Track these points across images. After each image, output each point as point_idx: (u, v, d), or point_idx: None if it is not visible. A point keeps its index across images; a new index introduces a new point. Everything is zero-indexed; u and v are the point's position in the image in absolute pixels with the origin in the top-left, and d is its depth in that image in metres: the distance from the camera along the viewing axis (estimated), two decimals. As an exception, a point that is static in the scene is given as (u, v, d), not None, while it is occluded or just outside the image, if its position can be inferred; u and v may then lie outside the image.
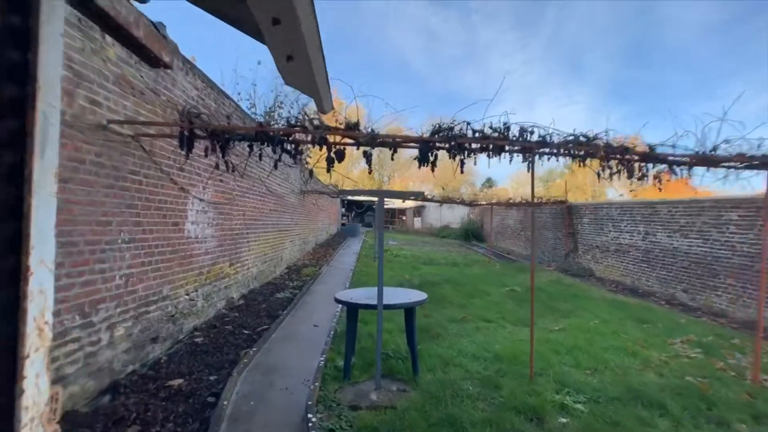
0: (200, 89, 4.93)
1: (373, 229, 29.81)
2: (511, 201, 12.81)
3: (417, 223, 28.98)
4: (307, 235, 13.54)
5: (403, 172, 51.69)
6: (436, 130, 3.54)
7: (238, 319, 5.39)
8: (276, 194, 8.82)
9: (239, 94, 11.88)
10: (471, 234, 21.58)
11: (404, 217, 29.68)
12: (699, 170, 4.09)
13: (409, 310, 3.68)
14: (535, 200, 12.71)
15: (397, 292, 4.14)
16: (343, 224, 30.11)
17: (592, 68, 62.60)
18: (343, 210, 31.29)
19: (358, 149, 3.61)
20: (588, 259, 11.72)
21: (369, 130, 3.46)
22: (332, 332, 4.86)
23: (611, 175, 4.12)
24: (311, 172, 4.66)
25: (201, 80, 4.95)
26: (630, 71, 61.25)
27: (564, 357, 4.34)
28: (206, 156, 3.86)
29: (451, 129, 3.52)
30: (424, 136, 3.55)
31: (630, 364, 4.23)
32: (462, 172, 3.76)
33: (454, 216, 24.40)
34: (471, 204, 13.22)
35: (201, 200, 4.94)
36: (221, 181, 5.60)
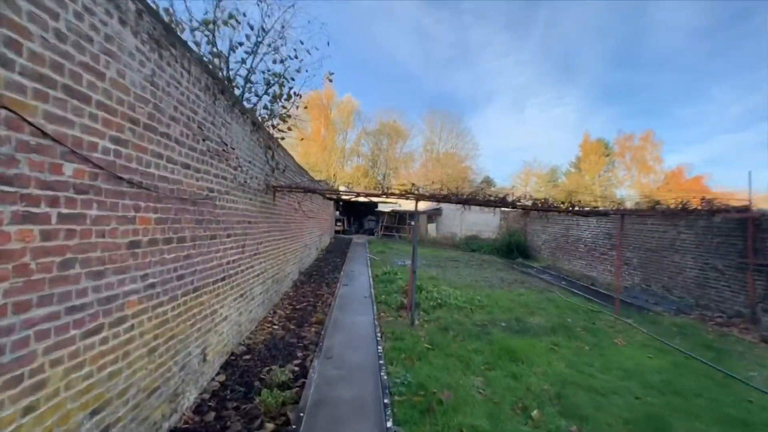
0: None
1: (377, 237, 23.94)
2: (660, 205, 7.08)
3: (431, 230, 23.02)
4: (283, 268, 7.69)
5: (400, 171, 46.04)
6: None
7: None
8: (185, 198, 2.99)
9: None
10: (515, 248, 15.90)
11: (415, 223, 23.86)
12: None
13: None
14: (678, 205, 6.96)
15: None
16: (337, 231, 24.21)
17: (582, 70, 61.89)
18: (337, 213, 25.37)
19: None
20: (820, 318, 6.11)
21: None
22: None
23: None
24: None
25: None
26: (619, 73, 60.71)
27: None
28: None
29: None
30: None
31: None
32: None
33: (488, 223, 18.60)
34: (615, 212, 7.35)
35: None
36: None
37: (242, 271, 4.96)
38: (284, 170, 6.67)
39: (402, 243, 21.37)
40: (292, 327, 5.86)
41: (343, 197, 6.89)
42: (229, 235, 4.37)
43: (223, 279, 4.26)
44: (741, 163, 53.70)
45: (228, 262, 4.40)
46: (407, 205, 25.83)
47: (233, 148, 4.45)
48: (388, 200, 27.28)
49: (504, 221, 19.03)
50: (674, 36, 54.67)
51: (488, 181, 53.69)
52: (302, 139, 6.52)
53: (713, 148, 56.80)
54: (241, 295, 4.98)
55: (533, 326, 6.32)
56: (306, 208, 10.51)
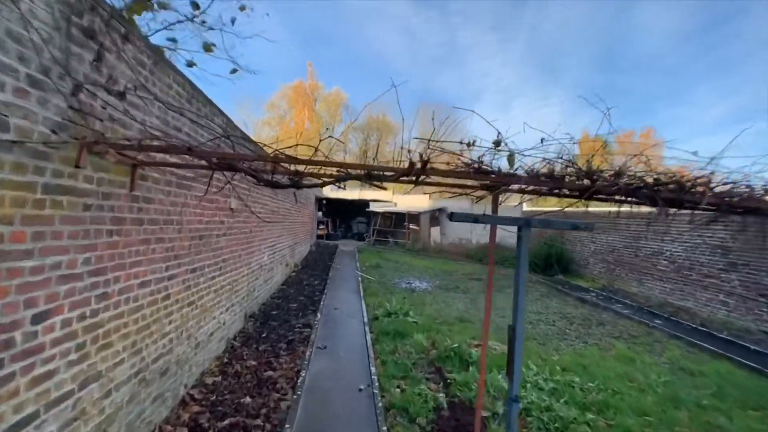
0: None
1: (368, 244, 19.88)
2: None
3: (435, 235, 18.96)
4: (192, 332, 3.61)
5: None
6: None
7: None
8: None
9: None
10: (556, 261, 12.10)
11: (416, 226, 19.53)
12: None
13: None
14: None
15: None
16: (320, 236, 20.09)
17: (567, 71, 60.93)
18: (320, 214, 21.28)
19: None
20: None
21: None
22: None
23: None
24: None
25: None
26: (604, 75, 59.91)
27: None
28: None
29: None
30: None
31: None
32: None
33: (509, 226, 14.82)
34: None
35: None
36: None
37: None
38: (123, 94, 2.42)
39: (400, 251, 17.36)
40: None
41: (327, 187, 2.76)
42: None
43: None
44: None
45: None
46: (404, 203, 21.82)
47: None
48: (396, 197, 23.28)
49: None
50: (658, 39, 54.55)
51: (482, 182, 51.39)
52: (237, 70, 2.46)
53: (694, 149, 57.00)
54: None
55: None
56: (265, 208, 6.46)
